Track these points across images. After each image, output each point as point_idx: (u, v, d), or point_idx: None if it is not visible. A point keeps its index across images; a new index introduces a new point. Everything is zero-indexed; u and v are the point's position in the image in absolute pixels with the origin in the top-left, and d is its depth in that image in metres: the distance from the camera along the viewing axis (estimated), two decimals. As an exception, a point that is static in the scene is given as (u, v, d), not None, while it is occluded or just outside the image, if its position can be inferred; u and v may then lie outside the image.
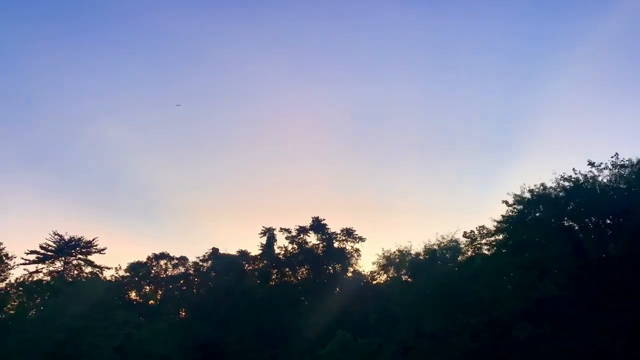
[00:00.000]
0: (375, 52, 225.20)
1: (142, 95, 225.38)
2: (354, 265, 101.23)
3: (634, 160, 51.23)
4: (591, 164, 51.54)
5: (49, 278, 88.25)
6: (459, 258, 66.92)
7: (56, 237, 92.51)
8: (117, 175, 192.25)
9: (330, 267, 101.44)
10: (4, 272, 77.01)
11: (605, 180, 51.87)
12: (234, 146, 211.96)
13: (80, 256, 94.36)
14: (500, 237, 57.02)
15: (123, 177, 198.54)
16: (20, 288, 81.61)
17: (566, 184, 51.91)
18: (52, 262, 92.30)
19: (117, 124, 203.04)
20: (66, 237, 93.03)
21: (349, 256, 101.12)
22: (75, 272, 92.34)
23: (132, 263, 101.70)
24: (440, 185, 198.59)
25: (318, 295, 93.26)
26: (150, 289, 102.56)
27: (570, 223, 53.07)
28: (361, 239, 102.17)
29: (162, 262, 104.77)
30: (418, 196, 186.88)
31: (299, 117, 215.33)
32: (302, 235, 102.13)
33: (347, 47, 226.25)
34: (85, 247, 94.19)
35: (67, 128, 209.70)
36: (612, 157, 51.33)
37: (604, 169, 51.45)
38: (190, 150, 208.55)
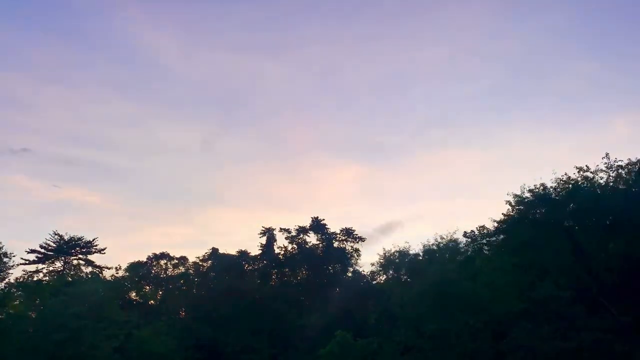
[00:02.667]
0: (378, 52, 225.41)
1: (142, 96, 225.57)
2: (354, 265, 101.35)
3: (634, 160, 51.31)
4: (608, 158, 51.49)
5: (48, 278, 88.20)
6: (458, 258, 66.86)
7: (56, 237, 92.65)
8: (117, 174, 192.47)
9: (330, 267, 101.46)
10: (4, 271, 76.87)
11: (604, 181, 51.95)
12: (234, 145, 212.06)
13: (80, 256, 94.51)
14: (500, 237, 57.06)
15: (123, 176, 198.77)
16: (20, 288, 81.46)
17: (566, 185, 51.90)
18: (52, 262, 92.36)
19: (117, 123, 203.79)
20: (66, 237, 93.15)
21: (349, 256, 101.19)
22: (75, 272, 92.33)
23: (132, 263, 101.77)
24: (441, 185, 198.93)
25: (318, 295, 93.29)
26: (150, 289, 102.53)
27: (570, 223, 53.06)
28: (361, 239, 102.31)
29: (162, 262, 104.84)
30: (418, 196, 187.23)
31: (299, 116, 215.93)
32: (301, 236, 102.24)
33: (348, 47, 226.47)
34: (85, 247, 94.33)
35: (66, 126, 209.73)
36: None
37: (600, 171, 51.63)
38: (190, 149, 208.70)
